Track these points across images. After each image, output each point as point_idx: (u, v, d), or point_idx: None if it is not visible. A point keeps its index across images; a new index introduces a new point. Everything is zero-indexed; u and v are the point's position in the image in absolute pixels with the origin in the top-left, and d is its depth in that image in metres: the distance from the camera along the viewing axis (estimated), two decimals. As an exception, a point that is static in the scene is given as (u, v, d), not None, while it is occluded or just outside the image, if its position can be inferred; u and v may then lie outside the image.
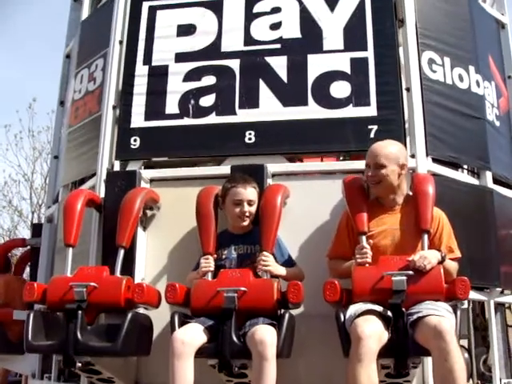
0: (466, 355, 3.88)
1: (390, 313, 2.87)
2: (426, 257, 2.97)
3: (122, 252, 3.38)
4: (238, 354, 2.92)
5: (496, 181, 4.10)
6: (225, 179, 3.67)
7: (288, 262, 3.37)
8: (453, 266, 3.16)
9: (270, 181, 3.74)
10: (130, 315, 3.11)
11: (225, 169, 3.81)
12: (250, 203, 3.36)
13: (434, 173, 3.71)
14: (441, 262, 3.01)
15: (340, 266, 3.29)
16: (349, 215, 3.30)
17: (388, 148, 3.28)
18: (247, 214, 3.34)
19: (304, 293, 3.10)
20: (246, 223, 3.37)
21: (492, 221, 3.91)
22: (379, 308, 2.87)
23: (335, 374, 3.23)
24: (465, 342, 4.07)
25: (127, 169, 3.97)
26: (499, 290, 3.88)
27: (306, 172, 3.85)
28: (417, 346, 2.79)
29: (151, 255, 3.79)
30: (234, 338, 2.93)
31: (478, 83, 4.18)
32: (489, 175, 4.04)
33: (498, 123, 4.34)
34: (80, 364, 3.07)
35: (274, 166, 3.76)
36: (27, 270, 5.82)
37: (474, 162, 4.06)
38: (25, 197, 15.46)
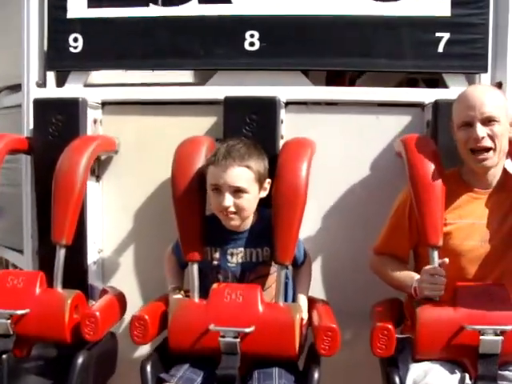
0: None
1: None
2: None
3: (62, 252, 2.22)
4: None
5: None
6: (216, 106, 2.51)
7: (301, 262, 2.28)
8: None
9: (282, 112, 2.50)
10: (79, 362, 2.07)
11: (214, 91, 2.53)
12: (237, 191, 2.06)
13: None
14: None
15: (390, 268, 2.21)
16: (412, 197, 2.16)
17: (493, 92, 2.14)
18: (232, 209, 2.07)
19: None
20: (234, 223, 2.12)
21: None
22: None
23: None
24: None
25: (67, 83, 2.65)
26: None
27: (337, 101, 2.57)
28: None
29: (109, 215, 2.69)
30: (237, 414, 1.96)
31: None
32: None
33: None
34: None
35: (287, 90, 2.50)
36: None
37: None
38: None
